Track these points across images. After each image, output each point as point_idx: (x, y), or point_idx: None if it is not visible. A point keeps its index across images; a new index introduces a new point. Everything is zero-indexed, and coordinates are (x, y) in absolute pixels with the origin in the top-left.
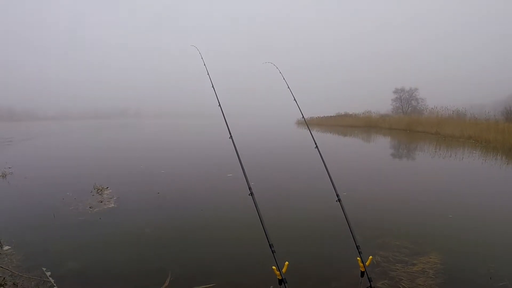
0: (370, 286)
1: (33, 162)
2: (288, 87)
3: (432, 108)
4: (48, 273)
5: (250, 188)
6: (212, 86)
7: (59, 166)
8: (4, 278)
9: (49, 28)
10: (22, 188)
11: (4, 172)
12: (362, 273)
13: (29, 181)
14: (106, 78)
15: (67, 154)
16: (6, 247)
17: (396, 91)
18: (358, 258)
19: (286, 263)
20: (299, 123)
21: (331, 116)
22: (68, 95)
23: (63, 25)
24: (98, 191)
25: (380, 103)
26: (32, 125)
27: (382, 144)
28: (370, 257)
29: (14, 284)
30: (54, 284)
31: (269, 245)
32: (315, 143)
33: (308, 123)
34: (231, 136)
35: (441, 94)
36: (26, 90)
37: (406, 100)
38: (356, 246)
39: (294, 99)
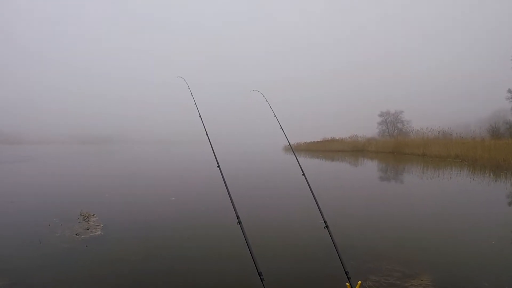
0: None
1: (19, 187)
2: (275, 115)
3: (418, 129)
4: None
5: (238, 217)
6: (200, 115)
7: (46, 191)
8: None
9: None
10: (8, 214)
11: None
12: None
13: (15, 206)
14: (92, 105)
15: (54, 179)
16: None
17: (381, 114)
18: (347, 284)
19: None
20: (286, 149)
21: (318, 141)
22: (54, 121)
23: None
24: (85, 218)
25: (367, 127)
26: (19, 148)
27: (369, 167)
28: (359, 282)
29: None
30: None
31: (258, 273)
32: (302, 170)
33: (295, 149)
34: (218, 165)
35: (425, 114)
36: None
37: (391, 123)
38: (345, 271)
39: (281, 127)
